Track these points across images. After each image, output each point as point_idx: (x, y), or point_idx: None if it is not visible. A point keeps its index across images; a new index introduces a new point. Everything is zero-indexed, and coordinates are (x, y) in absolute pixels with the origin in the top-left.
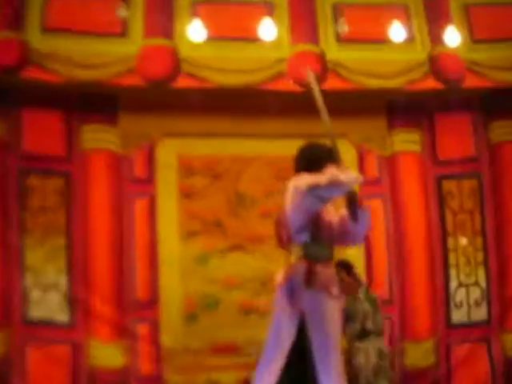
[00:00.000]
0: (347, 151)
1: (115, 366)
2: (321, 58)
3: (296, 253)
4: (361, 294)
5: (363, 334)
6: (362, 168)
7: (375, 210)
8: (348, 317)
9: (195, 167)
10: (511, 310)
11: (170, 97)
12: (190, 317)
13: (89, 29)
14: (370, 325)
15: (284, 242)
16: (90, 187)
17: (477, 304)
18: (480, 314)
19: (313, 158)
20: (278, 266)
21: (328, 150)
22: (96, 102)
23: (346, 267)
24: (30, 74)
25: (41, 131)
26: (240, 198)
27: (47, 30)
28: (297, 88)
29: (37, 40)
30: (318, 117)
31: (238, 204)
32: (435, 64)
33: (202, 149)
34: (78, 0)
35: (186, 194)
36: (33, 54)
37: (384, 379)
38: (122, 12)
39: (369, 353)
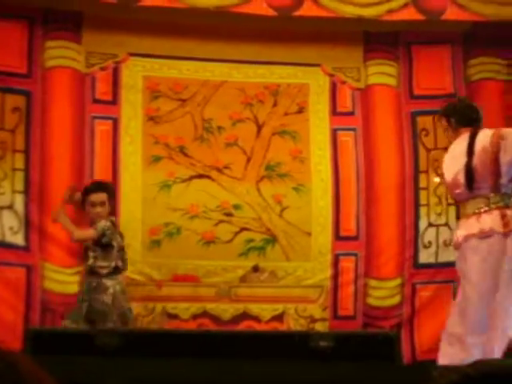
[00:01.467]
0: (320, 81)
1: (70, 292)
2: None
3: (500, 201)
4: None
5: (114, 272)
6: (334, 99)
7: (346, 144)
8: (105, 250)
9: (161, 90)
10: None
11: (138, 15)
12: (151, 245)
13: None
14: (120, 261)
15: (479, 188)
16: (50, 107)
17: (445, 245)
18: (448, 255)
19: (477, 114)
20: (242, 196)
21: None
22: (60, 16)
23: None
24: None
25: (1, 46)
26: (206, 125)
27: None
28: (270, 12)
29: None
30: (290, 44)
31: (204, 130)
32: None
33: (169, 71)
34: None
35: (151, 117)
36: None
37: (124, 320)
38: None
39: (116, 292)
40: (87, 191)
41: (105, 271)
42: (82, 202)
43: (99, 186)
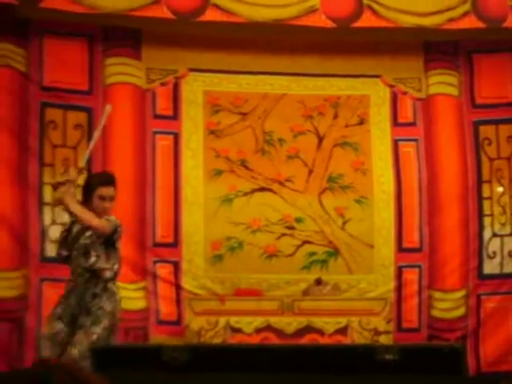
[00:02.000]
0: (380, 92)
1: (134, 308)
2: None
3: None
4: None
5: (115, 276)
6: (395, 110)
7: (408, 155)
8: (107, 250)
9: (222, 104)
10: None
11: (196, 30)
12: (213, 259)
13: None
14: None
15: None
16: (112, 123)
17: (510, 255)
18: None
19: None
20: (304, 209)
21: None
22: (120, 34)
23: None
24: (51, 3)
25: (62, 64)
26: (267, 137)
27: None
28: (329, 24)
29: None
30: (349, 56)
31: (265, 143)
32: (477, 2)
33: (229, 85)
34: None
35: (212, 131)
36: None
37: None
38: None
39: (118, 301)
40: (98, 183)
41: (108, 274)
42: (85, 192)
43: (111, 180)
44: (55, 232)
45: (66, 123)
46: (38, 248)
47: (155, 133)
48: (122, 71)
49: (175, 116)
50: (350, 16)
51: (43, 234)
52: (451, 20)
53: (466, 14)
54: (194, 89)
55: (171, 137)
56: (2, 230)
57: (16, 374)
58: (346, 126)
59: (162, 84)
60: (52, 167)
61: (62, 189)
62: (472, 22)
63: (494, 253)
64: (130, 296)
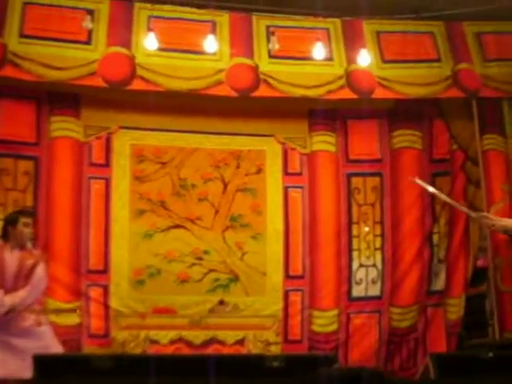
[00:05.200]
0: (274, 148)
1: (70, 323)
2: (254, 69)
3: None
4: None
5: None
6: (286, 162)
7: (295, 199)
8: None
9: (146, 155)
10: (399, 288)
11: (126, 96)
12: (136, 284)
13: (59, 36)
14: None
15: None
16: (54, 170)
17: (373, 282)
18: (375, 290)
19: None
20: (210, 243)
21: None
22: (63, 98)
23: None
24: (8, 72)
25: (15, 121)
26: (182, 183)
27: (23, 35)
28: (232, 93)
29: (15, 43)
30: (249, 119)
31: (180, 187)
32: (350, 78)
33: (152, 140)
34: (50, 10)
35: (137, 177)
36: (11, 56)
37: None
38: (88, 23)
39: None
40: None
41: None
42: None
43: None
44: None
45: (17, 170)
46: None
47: (90, 178)
48: (63, 127)
49: (107, 164)
50: (249, 87)
51: None
52: (330, 92)
53: (341, 87)
54: (124, 142)
55: (103, 182)
56: None
57: None
58: (246, 175)
59: (97, 138)
60: (4, 207)
61: None
62: (347, 94)
63: (361, 280)
64: (67, 314)
